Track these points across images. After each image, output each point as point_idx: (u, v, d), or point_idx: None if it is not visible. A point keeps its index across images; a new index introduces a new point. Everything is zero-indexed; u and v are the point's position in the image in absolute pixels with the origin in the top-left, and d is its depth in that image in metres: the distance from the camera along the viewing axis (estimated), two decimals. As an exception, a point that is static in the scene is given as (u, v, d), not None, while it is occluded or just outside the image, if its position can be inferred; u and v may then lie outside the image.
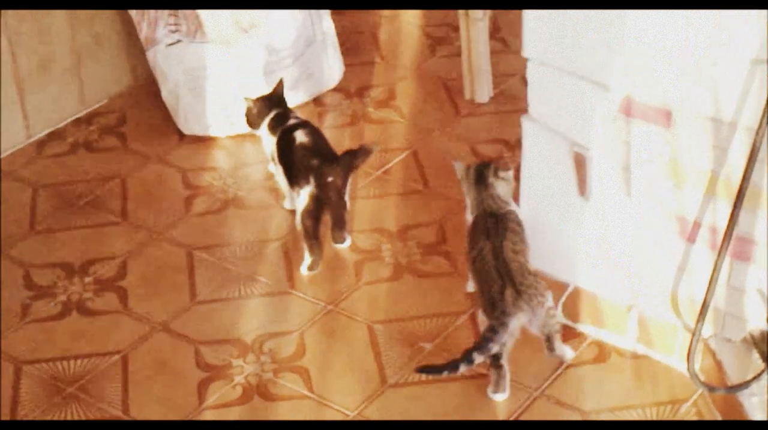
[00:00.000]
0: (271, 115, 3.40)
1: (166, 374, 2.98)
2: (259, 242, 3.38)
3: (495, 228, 2.91)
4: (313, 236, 3.23)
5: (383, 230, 3.40)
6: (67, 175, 3.70)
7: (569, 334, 3.02)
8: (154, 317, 3.14)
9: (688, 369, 2.74)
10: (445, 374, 2.77)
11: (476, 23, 3.83)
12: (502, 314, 2.76)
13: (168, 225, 3.46)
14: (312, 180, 3.20)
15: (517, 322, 2.78)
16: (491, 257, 2.84)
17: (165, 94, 3.84)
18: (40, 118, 3.86)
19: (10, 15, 3.66)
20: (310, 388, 2.92)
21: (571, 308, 3.02)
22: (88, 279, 3.28)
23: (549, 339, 2.88)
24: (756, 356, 2.72)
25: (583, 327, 3.02)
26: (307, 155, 3.23)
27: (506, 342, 2.79)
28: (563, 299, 3.02)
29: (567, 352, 2.94)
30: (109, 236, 3.44)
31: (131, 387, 2.94)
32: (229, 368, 2.98)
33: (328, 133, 3.77)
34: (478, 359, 2.76)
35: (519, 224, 2.95)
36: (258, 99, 3.42)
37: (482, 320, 2.85)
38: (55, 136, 3.87)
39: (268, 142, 3.39)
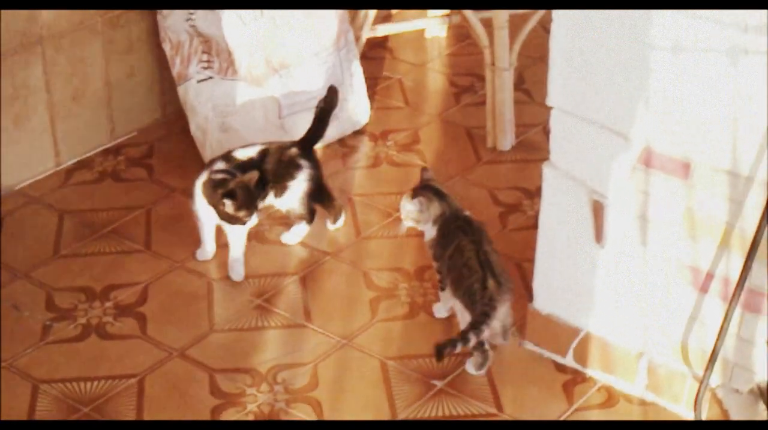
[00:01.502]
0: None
1: (181, 399, 3.02)
2: (277, 276, 3.44)
3: (468, 227, 3.10)
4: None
5: (401, 269, 3.45)
6: (93, 203, 3.76)
7: (578, 378, 3.06)
8: (171, 343, 3.19)
9: (695, 417, 2.78)
10: (446, 351, 2.94)
11: (502, 73, 3.90)
12: (490, 300, 2.96)
13: (189, 255, 3.51)
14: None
15: (502, 309, 3.00)
16: (471, 249, 3.03)
17: (193, 129, 3.91)
18: (70, 146, 3.93)
19: (47, 45, 3.74)
20: (322, 419, 2.95)
21: (582, 353, 3.05)
22: (108, 304, 3.33)
23: (505, 331, 3.08)
24: (762, 407, 2.75)
25: (592, 372, 3.06)
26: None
27: (492, 328, 3.01)
28: (575, 343, 3.06)
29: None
30: (131, 264, 3.49)
31: (146, 410, 2.98)
32: (242, 396, 3.02)
33: (351, 173, 3.88)
34: (473, 340, 2.96)
35: (481, 223, 3.16)
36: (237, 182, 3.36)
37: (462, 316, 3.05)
38: (83, 164, 3.94)
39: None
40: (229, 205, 3.28)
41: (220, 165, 3.38)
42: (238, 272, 3.41)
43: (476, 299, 2.97)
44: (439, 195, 3.16)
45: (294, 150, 3.48)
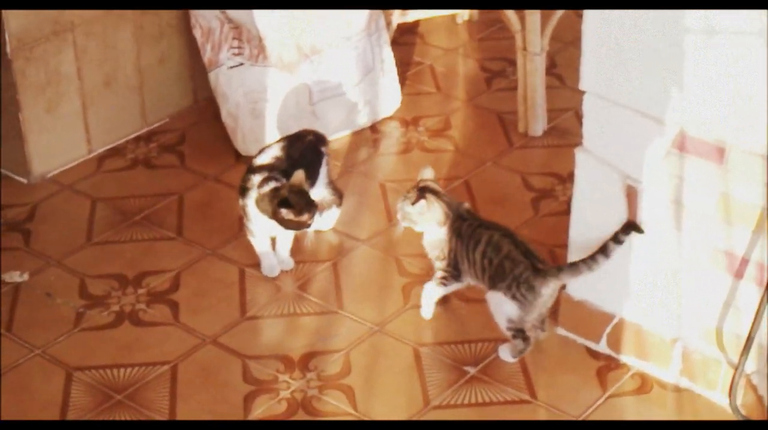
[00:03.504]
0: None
1: (214, 386, 3.03)
2: (309, 262, 3.43)
3: (483, 223, 3.09)
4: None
5: (433, 255, 3.44)
6: (125, 190, 3.77)
7: (612, 364, 3.04)
8: (204, 330, 3.20)
9: (730, 403, 2.76)
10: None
11: (533, 58, 3.88)
12: (544, 278, 2.96)
13: (221, 242, 3.52)
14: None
15: (547, 291, 2.98)
16: (508, 242, 3.00)
17: (224, 116, 3.91)
18: (102, 133, 3.94)
19: (78, 31, 3.75)
20: (354, 406, 2.95)
21: (616, 339, 3.04)
22: (141, 291, 3.34)
23: (542, 321, 3.06)
24: (799, 393, 2.74)
25: (626, 358, 3.04)
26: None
27: (533, 316, 3.01)
28: (608, 329, 3.04)
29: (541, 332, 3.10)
30: (163, 251, 3.50)
31: (179, 397, 2.99)
32: (275, 382, 3.03)
33: (383, 159, 3.87)
34: (595, 264, 2.92)
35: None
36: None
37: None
38: (115, 151, 3.95)
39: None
40: (287, 213, 3.19)
41: (258, 177, 3.27)
42: (274, 268, 3.40)
43: (531, 281, 2.95)
44: (437, 196, 3.11)
45: (311, 137, 3.45)
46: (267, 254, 3.38)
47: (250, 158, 3.82)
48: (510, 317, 3.00)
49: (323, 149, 3.45)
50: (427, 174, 3.16)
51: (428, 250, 3.16)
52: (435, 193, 3.11)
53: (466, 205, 3.15)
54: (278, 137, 3.65)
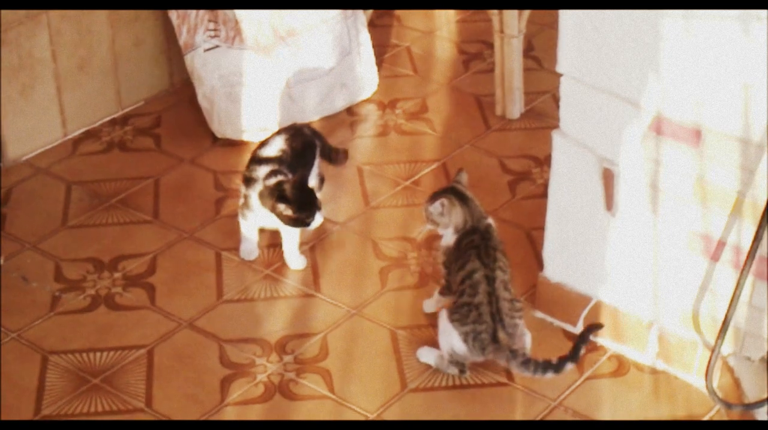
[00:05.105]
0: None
1: (190, 369, 3.02)
2: (286, 246, 3.43)
3: (484, 248, 2.92)
4: None
5: (410, 238, 3.44)
6: (101, 173, 3.75)
7: (589, 347, 3.04)
8: (180, 314, 3.19)
9: (707, 386, 2.77)
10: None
11: (510, 41, 3.87)
12: (495, 350, 2.88)
13: (198, 225, 3.51)
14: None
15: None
16: (485, 290, 2.87)
17: (200, 98, 3.89)
18: (77, 116, 3.92)
19: (52, 14, 3.72)
20: (331, 389, 2.95)
21: (593, 322, 3.04)
22: (117, 274, 3.33)
23: (524, 357, 2.90)
24: (774, 375, 2.75)
25: (603, 341, 3.05)
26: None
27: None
28: (585, 312, 3.05)
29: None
30: (139, 234, 3.49)
31: (155, 381, 2.99)
32: (252, 366, 3.02)
33: (359, 142, 3.86)
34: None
35: (499, 239, 2.98)
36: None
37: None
38: (90, 135, 3.93)
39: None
40: (285, 209, 3.19)
41: (265, 169, 3.26)
42: (252, 252, 3.39)
43: (486, 346, 2.88)
44: (463, 200, 3.00)
45: (307, 130, 3.45)
46: (249, 239, 3.37)
47: (226, 140, 3.85)
48: (454, 351, 2.93)
49: (317, 143, 3.45)
50: (462, 178, 3.07)
51: (439, 253, 3.06)
52: (461, 197, 3.01)
53: (490, 220, 3.02)
54: (255, 117, 3.64)
